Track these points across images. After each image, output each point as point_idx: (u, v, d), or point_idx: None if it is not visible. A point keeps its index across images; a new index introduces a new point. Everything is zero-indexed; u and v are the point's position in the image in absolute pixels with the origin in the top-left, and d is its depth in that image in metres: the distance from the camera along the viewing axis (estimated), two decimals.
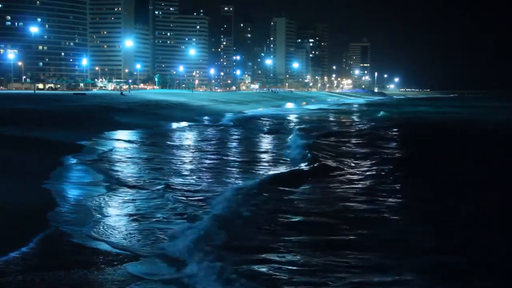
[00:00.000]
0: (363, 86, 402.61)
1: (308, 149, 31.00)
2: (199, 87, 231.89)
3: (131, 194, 18.81)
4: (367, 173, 24.13)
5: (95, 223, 14.61)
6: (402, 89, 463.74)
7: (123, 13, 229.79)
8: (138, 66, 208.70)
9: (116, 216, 15.62)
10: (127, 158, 28.27)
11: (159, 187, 19.73)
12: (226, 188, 19.49)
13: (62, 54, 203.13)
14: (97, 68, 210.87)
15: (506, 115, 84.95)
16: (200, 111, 78.72)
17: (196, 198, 18.30)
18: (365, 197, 18.68)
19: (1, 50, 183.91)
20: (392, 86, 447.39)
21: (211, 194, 18.65)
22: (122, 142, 35.89)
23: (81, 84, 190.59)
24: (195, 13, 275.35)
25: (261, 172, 24.42)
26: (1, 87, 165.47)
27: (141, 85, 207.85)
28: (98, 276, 10.78)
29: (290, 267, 11.48)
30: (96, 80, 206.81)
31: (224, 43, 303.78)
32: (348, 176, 23.24)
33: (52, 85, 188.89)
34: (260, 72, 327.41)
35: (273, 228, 14.46)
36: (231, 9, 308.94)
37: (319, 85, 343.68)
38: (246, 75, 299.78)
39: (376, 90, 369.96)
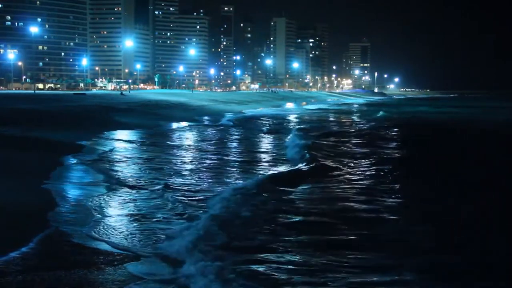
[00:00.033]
0: (363, 86, 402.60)
1: (307, 149, 31.01)
2: (199, 87, 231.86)
3: (131, 194, 18.82)
4: (367, 173, 24.14)
5: (95, 223, 14.61)
6: (402, 89, 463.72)
7: (123, 13, 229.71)
8: (138, 66, 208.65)
9: (116, 216, 15.63)
10: (127, 158, 28.27)
11: (159, 187, 19.74)
12: (223, 188, 19.56)
13: (62, 54, 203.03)
14: (97, 68, 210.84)
15: (506, 115, 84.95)
16: (200, 111, 78.72)
17: (196, 198, 18.32)
18: (364, 197, 18.69)
19: (1, 50, 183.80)
20: (392, 86, 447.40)
21: (211, 194, 18.67)
22: (122, 142, 35.89)
23: (81, 84, 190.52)
24: (195, 13, 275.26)
25: (259, 172, 24.41)
26: (1, 87, 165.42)
27: (141, 85, 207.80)
28: (98, 276, 10.79)
29: (289, 267, 11.49)
30: (96, 80, 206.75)
31: (224, 43, 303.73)
32: (348, 176, 23.25)
33: (52, 85, 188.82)
34: (260, 72, 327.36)
35: (271, 228, 14.46)
36: (231, 9, 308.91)
37: (319, 85, 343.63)
38: (246, 75, 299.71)
39: (376, 90, 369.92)
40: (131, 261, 11.75)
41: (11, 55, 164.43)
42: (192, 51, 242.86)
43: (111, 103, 75.28)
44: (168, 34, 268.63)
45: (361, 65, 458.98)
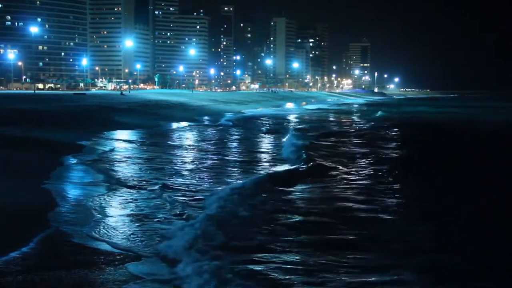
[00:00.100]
0: (363, 86, 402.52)
1: (304, 149, 31.03)
2: (199, 87, 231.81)
3: (131, 194, 18.83)
4: (366, 173, 24.13)
5: (95, 223, 14.62)
6: (402, 89, 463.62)
7: (123, 13, 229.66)
8: (138, 66, 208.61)
9: (116, 216, 15.63)
10: (127, 158, 28.28)
11: (157, 187, 19.75)
12: (220, 188, 19.61)
13: (62, 54, 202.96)
14: (97, 68, 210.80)
15: (506, 115, 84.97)
16: (200, 111, 78.74)
17: (193, 197, 18.34)
18: (364, 197, 18.69)
19: (1, 50, 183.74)
20: (392, 86, 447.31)
21: (208, 194, 18.68)
22: (122, 142, 35.90)
23: (81, 84, 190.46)
24: (195, 13, 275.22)
25: (256, 172, 24.42)
26: (1, 87, 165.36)
27: (141, 85, 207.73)
28: (99, 276, 10.79)
29: (287, 267, 11.48)
30: (96, 80, 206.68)
31: (224, 43, 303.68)
32: (346, 176, 23.24)
33: (52, 85, 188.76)
34: (260, 72, 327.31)
35: (267, 228, 14.46)
36: (231, 9, 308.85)
37: (319, 85, 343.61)
38: (246, 75, 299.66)
39: (376, 90, 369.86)
40: (131, 261, 11.75)
41: (11, 55, 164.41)
42: (192, 51, 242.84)
43: (111, 103, 75.28)
44: (168, 34, 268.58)
45: (361, 65, 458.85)
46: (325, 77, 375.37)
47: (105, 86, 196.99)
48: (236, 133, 47.55)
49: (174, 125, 55.04)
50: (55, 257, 11.77)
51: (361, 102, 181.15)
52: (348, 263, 11.72)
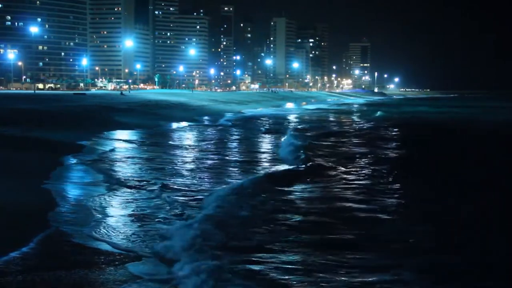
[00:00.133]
0: (363, 86, 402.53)
1: (303, 149, 31.04)
2: (199, 87, 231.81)
3: (131, 194, 18.84)
4: (366, 173, 24.12)
5: (95, 223, 14.63)
6: (402, 89, 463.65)
7: (123, 13, 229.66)
8: (138, 66, 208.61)
9: (116, 216, 15.64)
10: (127, 158, 28.28)
11: (158, 187, 19.76)
12: (219, 188, 19.65)
13: (62, 54, 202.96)
14: (97, 68, 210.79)
15: (506, 115, 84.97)
16: (200, 111, 78.74)
17: (192, 197, 18.34)
18: (363, 197, 18.68)
19: (1, 50, 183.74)
20: (392, 86, 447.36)
21: (207, 194, 18.69)
22: (122, 142, 35.91)
23: (81, 84, 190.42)
24: (195, 13, 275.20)
25: (255, 171, 24.41)
26: (1, 87, 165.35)
27: (141, 85, 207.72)
28: (99, 276, 10.79)
29: (287, 267, 11.48)
30: (96, 80, 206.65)
31: (224, 43, 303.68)
32: (345, 176, 23.21)
33: (52, 85, 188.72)
34: (260, 72, 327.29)
35: (266, 228, 14.47)
36: (231, 9, 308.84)
37: (319, 85, 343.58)
38: (246, 75, 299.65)
39: (376, 90, 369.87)
40: (130, 261, 11.75)
41: (11, 55, 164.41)
42: (192, 51, 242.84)
43: (111, 103, 75.29)
44: (168, 34, 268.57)
45: (361, 65, 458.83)
46: (325, 77, 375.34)
47: (105, 86, 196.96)
48: (236, 133, 47.56)
49: (174, 125, 55.04)
50: (55, 257, 11.77)
51: (361, 102, 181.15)
52: (348, 263, 11.71)
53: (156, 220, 15.29)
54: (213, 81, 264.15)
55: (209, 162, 28.10)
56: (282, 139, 39.48)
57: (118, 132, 42.69)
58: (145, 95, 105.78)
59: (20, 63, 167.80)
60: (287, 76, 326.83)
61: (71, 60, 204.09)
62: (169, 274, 10.94)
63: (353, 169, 25.17)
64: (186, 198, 18.25)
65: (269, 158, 29.93)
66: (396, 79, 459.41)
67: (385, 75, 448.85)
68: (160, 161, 27.52)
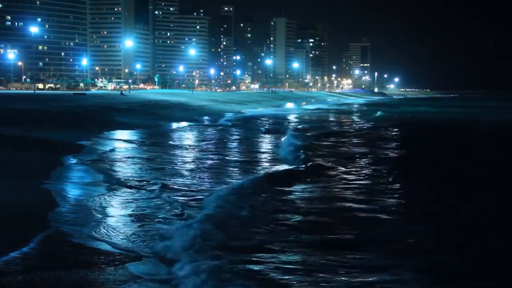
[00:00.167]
0: (363, 86, 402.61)
1: (303, 149, 31.02)
2: (199, 87, 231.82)
3: (131, 194, 18.84)
4: (366, 173, 24.11)
5: (95, 223, 14.63)
6: (402, 89, 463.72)
7: (123, 13, 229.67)
8: (138, 66, 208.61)
9: (116, 216, 15.64)
10: (127, 158, 28.28)
11: (158, 187, 19.77)
12: (219, 188, 19.66)
13: (62, 54, 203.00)
14: (97, 68, 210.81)
15: (506, 115, 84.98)
16: (200, 111, 78.74)
17: (192, 197, 18.34)
18: (363, 197, 18.68)
19: (1, 50, 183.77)
20: (392, 86, 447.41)
21: (207, 194, 18.70)
22: (122, 142, 35.91)
23: (81, 84, 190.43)
24: (195, 13, 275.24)
25: (256, 172, 24.40)
26: (1, 87, 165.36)
27: (141, 85, 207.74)
28: (99, 276, 10.79)
29: (287, 266, 11.48)
30: (96, 80, 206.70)
31: (224, 43, 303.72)
32: (345, 176, 23.20)
33: (52, 85, 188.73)
34: (260, 72, 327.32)
35: (266, 228, 14.46)
36: (231, 9, 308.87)
37: (319, 85, 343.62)
38: (246, 75, 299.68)
39: (376, 90, 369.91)
40: (130, 261, 11.75)
41: (11, 55, 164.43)
42: (192, 51, 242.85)
43: (111, 103, 75.28)
44: (168, 34, 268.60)
45: (361, 65, 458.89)
46: (325, 77, 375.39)
47: (105, 86, 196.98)
48: (236, 133, 47.56)
49: (174, 125, 55.04)
50: (55, 257, 11.77)
51: (361, 102, 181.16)
52: (348, 263, 11.71)
53: (156, 220, 15.29)
54: (213, 81, 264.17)
55: (209, 162, 28.10)
56: (282, 139, 39.48)
57: (118, 132, 42.69)
58: (145, 95, 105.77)
59: (20, 63, 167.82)
60: (287, 76, 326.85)
61: (71, 60, 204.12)
62: (169, 274, 10.94)
63: (353, 169, 25.16)
64: (186, 198, 18.26)
65: (269, 158, 29.92)
66: (396, 79, 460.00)
67: (385, 75, 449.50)
68: (160, 161, 27.52)
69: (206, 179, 22.45)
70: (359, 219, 15.59)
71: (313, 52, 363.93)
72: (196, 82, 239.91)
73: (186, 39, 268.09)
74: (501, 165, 27.82)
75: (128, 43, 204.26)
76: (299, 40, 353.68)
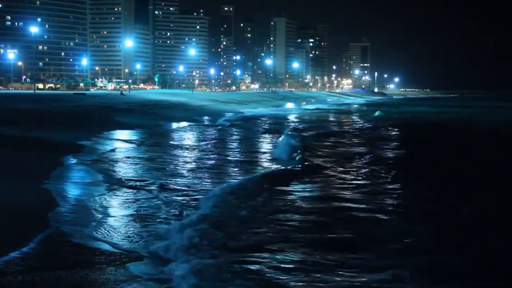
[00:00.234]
0: (363, 86, 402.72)
1: (300, 149, 30.98)
2: (199, 87, 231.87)
3: (130, 194, 18.85)
4: (365, 174, 24.10)
5: (95, 223, 14.63)
6: (402, 89, 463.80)
7: (123, 13, 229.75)
8: (138, 66, 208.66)
9: (116, 216, 15.64)
10: (127, 158, 28.28)
11: (157, 187, 19.77)
12: (216, 187, 19.70)
13: (62, 54, 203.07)
14: (97, 68, 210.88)
15: (506, 115, 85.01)
16: (200, 111, 78.73)
17: (192, 197, 18.34)
18: (363, 197, 18.65)
19: (1, 50, 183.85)
20: (392, 86, 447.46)
21: (205, 194, 18.70)
22: (122, 142, 35.91)
23: (81, 84, 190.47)
24: (195, 13, 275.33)
25: (254, 172, 24.37)
26: (1, 87, 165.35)
27: (141, 85, 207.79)
28: (99, 276, 10.80)
29: (286, 266, 11.48)
30: (96, 80, 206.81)
31: (224, 43, 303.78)
32: (344, 176, 23.19)
33: (52, 85, 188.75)
34: (260, 72, 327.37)
35: (264, 227, 14.45)
36: (231, 9, 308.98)
37: (319, 85, 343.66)
38: (246, 75, 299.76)
39: (376, 90, 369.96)
40: (129, 260, 11.76)
41: (11, 55, 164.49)
42: (192, 51, 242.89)
43: (111, 103, 75.29)
44: (168, 34, 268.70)
45: (361, 65, 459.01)
46: (325, 77, 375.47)
47: (105, 86, 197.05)
48: (235, 133, 47.57)
49: (174, 125, 55.05)
50: (55, 257, 11.78)
51: (361, 102, 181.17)
52: (348, 263, 11.71)
53: (155, 220, 15.30)
54: (213, 81, 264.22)
55: (208, 162, 28.12)
56: (283, 139, 39.40)
57: (118, 132, 42.69)
58: (145, 95, 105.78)
59: (20, 63, 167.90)
60: (287, 76, 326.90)
61: (71, 60, 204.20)
62: (167, 274, 10.94)
63: (352, 169, 25.16)
64: (184, 198, 18.28)
65: (269, 158, 29.89)
66: (396, 79, 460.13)
67: (385, 75, 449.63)
68: (160, 161, 27.53)
69: (205, 179, 22.45)
70: (359, 219, 15.58)
71: (313, 52, 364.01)
72: (196, 82, 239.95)
73: (186, 39, 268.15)
74: (501, 165, 27.83)
75: (128, 43, 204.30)
76: (299, 40, 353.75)
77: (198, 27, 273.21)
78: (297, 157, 27.97)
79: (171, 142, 37.48)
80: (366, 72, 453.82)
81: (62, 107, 62.12)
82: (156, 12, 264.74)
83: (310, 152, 30.82)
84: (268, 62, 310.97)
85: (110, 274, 10.90)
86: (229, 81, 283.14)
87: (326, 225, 14.85)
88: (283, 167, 25.44)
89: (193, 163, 27.30)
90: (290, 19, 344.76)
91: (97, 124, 46.98)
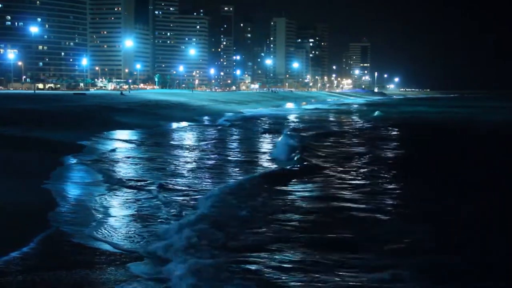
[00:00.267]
0: (363, 86, 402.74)
1: (298, 149, 30.98)
2: (199, 87, 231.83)
3: (130, 194, 18.86)
4: (365, 174, 24.10)
5: (95, 223, 14.64)
6: (402, 89, 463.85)
7: (123, 13, 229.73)
8: (138, 66, 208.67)
9: (116, 216, 15.65)
10: (127, 158, 28.29)
11: (156, 187, 19.78)
12: (214, 187, 19.74)
13: (62, 54, 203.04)
14: (97, 68, 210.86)
15: (506, 115, 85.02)
16: (200, 111, 78.73)
17: (192, 197, 18.35)
18: (363, 197, 18.64)
19: (1, 50, 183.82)
20: (392, 86, 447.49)
21: (204, 194, 18.71)
22: (122, 142, 35.91)
23: (81, 84, 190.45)
24: (195, 13, 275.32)
25: (253, 172, 24.37)
26: (1, 87, 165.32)
27: (141, 85, 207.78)
28: (99, 276, 10.80)
29: (285, 266, 11.49)
30: (96, 80, 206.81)
31: (224, 43, 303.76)
32: (343, 176, 23.17)
33: (52, 85, 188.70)
34: (260, 72, 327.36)
35: (263, 227, 14.46)
36: (231, 9, 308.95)
37: (319, 85, 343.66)
38: (246, 75, 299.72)
39: (376, 90, 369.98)
40: (129, 260, 11.76)
41: (11, 55, 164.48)
42: (192, 51, 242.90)
43: (111, 103, 75.28)
44: (168, 34, 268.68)
45: (361, 65, 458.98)
46: (325, 77, 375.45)
47: (105, 86, 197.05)
48: (235, 133, 47.58)
49: (174, 125, 55.06)
50: (55, 257, 11.78)
51: (361, 102, 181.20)
52: (348, 263, 11.71)
53: (155, 220, 15.31)
54: (213, 81, 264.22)
55: (207, 162, 28.12)
56: (283, 139, 39.38)
57: (118, 132, 42.70)
58: (145, 95, 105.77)
59: (20, 63, 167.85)
60: (287, 76, 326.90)
61: (71, 60, 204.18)
62: (166, 274, 10.94)
63: (351, 169, 25.15)
64: (184, 198, 18.29)
65: (269, 158, 29.85)
66: (396, 79, 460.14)
67: (385, 75, 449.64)
68: (160, 161, 27.53)
69: (204, 179, 22.45)
70: (358, 219, 15.58)
71: (313, 52, 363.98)
72: (196, 82, 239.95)
73: (186, 39, 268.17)
74: (501, 165, 27.83)
75: (128, 43, 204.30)
76: (299, 40, 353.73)
77: (198, 27, 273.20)
78: (296, 157, 27.95)
79: (171, 142, 37.49)
80: (366, 72, 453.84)
81: (62, 107, 62.12)
82: (156, 12, 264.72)
83: (309, 152, 30.80)
84: (268, 62, 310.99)
85: (110, 274, 10.91)
86: (229, 81, 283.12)
87: (326, 225, 14.85)
88: (281, 167, 25.42)
89: (193, 163, 27.30)
90: (290, 19, 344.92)
91: (97, 124, 46.98)
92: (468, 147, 37.30)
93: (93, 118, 52.75)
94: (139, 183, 20.71)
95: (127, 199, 18.04)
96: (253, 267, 11.39)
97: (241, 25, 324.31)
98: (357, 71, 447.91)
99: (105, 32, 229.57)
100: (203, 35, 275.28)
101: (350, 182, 21.71)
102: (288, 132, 43.40)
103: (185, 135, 45.12)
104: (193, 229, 13.48)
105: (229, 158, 30.11)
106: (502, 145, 38.78)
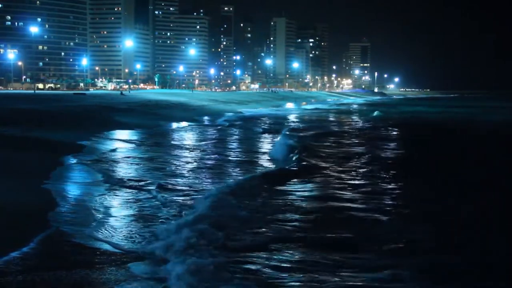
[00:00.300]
0: (363, 86, 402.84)
1: (297, 149, 30.95)
2: (199, 87, 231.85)
3: (130, 194, 18.86)
4: (364, 173, 24.07)
5: (96, 223, 14.64)
6: (402, 89, 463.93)
7: (123, 13, 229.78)
8: (138, 66, 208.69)
9: (116, 216, 15.65)
10: (127, 158, 28.28)
11: (156, 187, 19.78)
12: (212, 188, 19.74)
13: (62, 54, 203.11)
14: (97, 68, 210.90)
15: (506, 115, 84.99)
16: (200, 111, 78.72)
17: (191, 197, 18.35)
18: (363, 197, 18.63)
19: (1, 50, 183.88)
20: (392, 86, 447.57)
21: (202, 194, 18.71)
22: (122, 142, 35.91)
23: (81, 84, 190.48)
24: (195, 13, 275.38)
25: (253, 171, 24.39)
26: (1, 87, 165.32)
27: (141, 85, 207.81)
28: (99, 276, 10.80)
29: (285, 266, 11.49)
30: (96, 80, 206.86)
31: (224, 43, 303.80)
32: (342, 176, 23.16)
33: (52, 85, 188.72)
34: (260, 72, 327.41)
35: (262, 227, 14.45)
36: (231, 9, 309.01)
37: (319, 85, 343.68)
38: (246, 75, 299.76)
39: (376, 90, 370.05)
40: (128, 260, 11.77)
41: (11, 55, 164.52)
42: (192, 51, 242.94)
43: (111, 103, 75.28)
44: (168, 34, 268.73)
45: (361, 65, 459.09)
46: (325, 77, 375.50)
47: (105, 86, 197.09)
48: (235, 133, 47.58)
49: (174, 125, 55.05)
50: (55, 257, 11.78)
51: (361, 102, 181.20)
52: (348, 263, 11.71)
53: (154, 220, 15.31)
54: (213, 81, 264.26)
55: (207, 162, 28.13)
56: (283, 139, 39.43)
57: (118, 132, 42.69)
58: (145, 95, 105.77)
59: (20, 63, 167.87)
60: (287, 76, 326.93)
61: (71, 60, 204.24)
62: (165, 274, 10.94)
63: (351, 169, 25.14)
64: (183, 198, 18.29)
65: (268, 158, 29.86)
66: (396, 79, 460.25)
67: (385, 75, 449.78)
68: (160, 161, 27.53)
69: (203, 179, 22.45)
70: (358, 219, 15.57)
71: (313, 52, 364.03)
72: (196, 82, 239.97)
73: (186, 39, 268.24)
74: (501, 165, 27.83)
75: (128, 43, 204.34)
76: (299, 40, 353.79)
77: (198, 27, 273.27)
78: (294, 157, 27.94)
79: (171, 142, 37.49)
80: (366, 72, 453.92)
81: (62, 107, 62.11)
82: (156, 12, 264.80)
83: (308, 152, 30.76)
84: (268, 62, 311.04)
85: (110, 274, 10.91)
86: (229, 81, 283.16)
87: (325, 225, 14.84)
88: (281, 167, 25.42)
89: (193, 163, 27.31)
90: (290, 19, 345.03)
91: (97, 124, 46.97)
92: (468, 147, 37.29)
93: (93, 118, 52.75)
94: (139, 183, 20.72)
95: (127, 199, 18.04)
96: (252, 267, 11.39)
97: (241, 25, 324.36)
98: (357, 71, 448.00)
99: (105, 32, 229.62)
100: (203, 35, 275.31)
101: (349, 182, 21.71)
102: (288, 132, 43.41)
103: (185, 135, 45.12)
104: (193, 229, 13.49)
105: (229, 158, 30.12)
106: (502, 145, 38.78)
